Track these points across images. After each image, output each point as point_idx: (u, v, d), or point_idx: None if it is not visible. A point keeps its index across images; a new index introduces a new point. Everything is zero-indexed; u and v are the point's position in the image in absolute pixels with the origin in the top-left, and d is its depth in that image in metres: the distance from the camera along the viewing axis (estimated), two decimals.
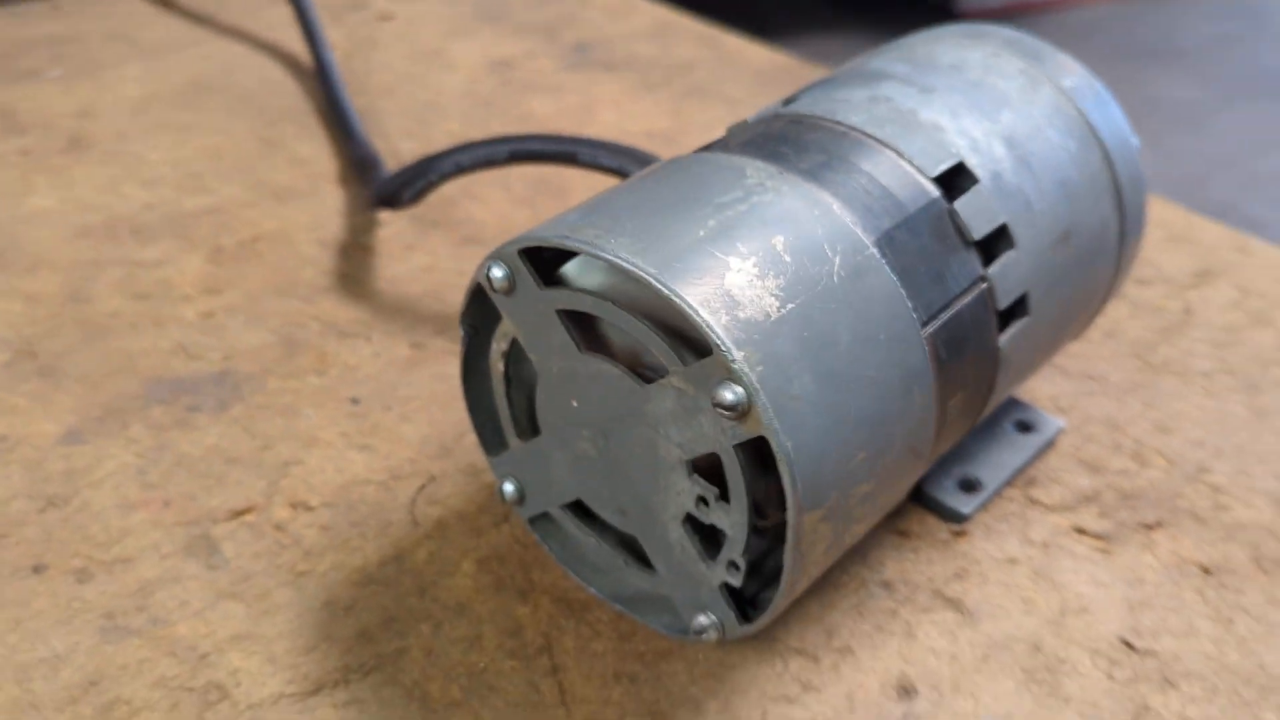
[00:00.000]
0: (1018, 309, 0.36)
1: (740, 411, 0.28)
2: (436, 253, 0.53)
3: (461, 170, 0.47)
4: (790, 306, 0.29)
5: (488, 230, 0.55)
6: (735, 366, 0.28)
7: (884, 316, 0.31)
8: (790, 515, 0.29)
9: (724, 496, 0.31)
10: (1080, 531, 0.42)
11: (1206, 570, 0.41)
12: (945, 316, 0.33)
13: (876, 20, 2.76)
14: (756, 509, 0.31)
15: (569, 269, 0.32)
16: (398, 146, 0.59)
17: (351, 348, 0.46)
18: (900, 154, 0.35)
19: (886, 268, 0.32)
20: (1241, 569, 0.41)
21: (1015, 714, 0.35)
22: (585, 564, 0.37)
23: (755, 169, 0.33)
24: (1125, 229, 0.40)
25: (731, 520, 0.31)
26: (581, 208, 0.33)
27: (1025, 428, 0.45)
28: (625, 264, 0.29)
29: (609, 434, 0.33)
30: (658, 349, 0.30)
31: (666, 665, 0.35)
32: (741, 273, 0.29)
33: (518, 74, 0.68)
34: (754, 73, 0.72)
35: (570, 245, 0.30)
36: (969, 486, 0.42)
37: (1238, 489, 0.45)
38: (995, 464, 0.43)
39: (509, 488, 0.37)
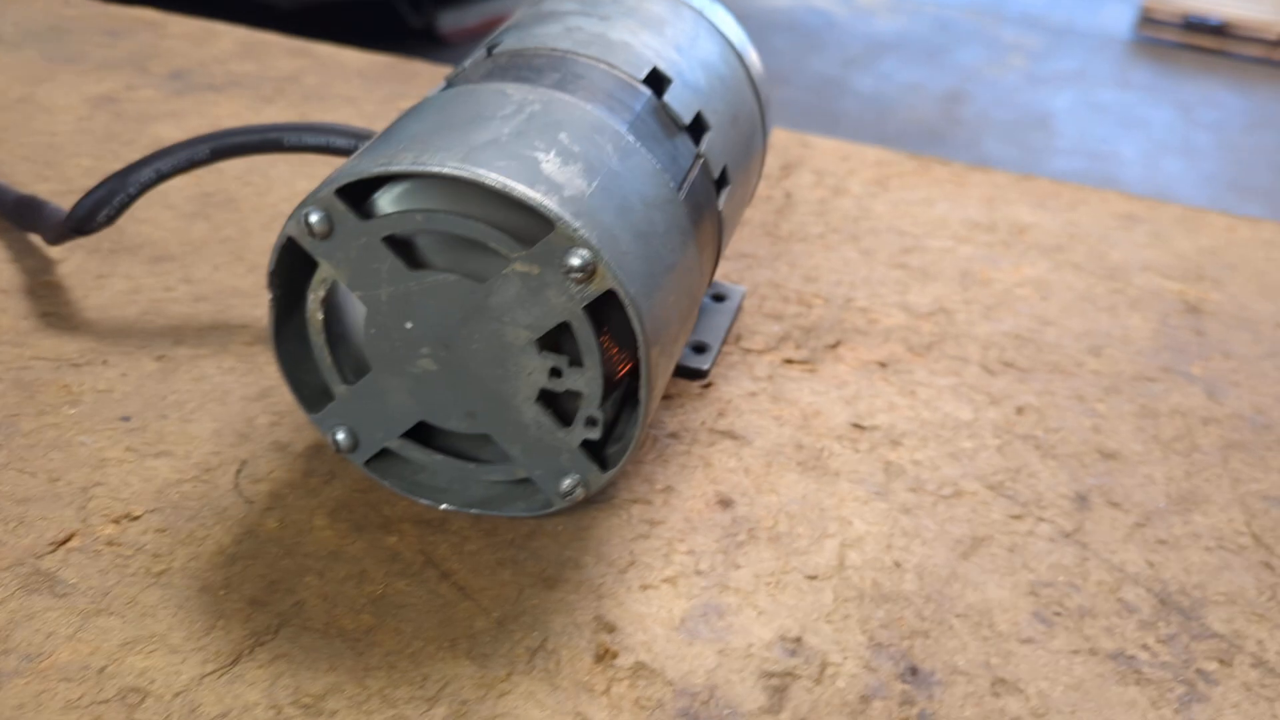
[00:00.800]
0: (723, 178, 0.44)
1: (589, 272, 0.33)
2: (133, 276, 0.51)
3: (163, 177, 0.47)
4: (595, 183, 0.35)
5: (172, 246, 0.54)
6: (580, 233, 0.33)
7: (654, 187, 0.38)
8: (641, 351, 0.35)
9: (575, 361, 0.36)
10: (789, 362, 0.52)
11: (883, 364, 0.52)
12: (687, 186, 0.40)
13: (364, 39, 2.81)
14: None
15: (383, 200, 0.36)
16: (37, 189, 0.56)
17: (94, 374, 0.45)
18: (612, 65, 0.41)
19: (643, 149, 0.38)
20: (903, 358, 0.53)
21: (806, 493, 0.43)
22: (431, 487, 0.40)
23: (513, 89, 0.38)
24: (764, 112, 0.50)
25: (587, 378, 0.36)
26: (378, 142, 0.36)
27: (720, 298, 0.54)
28: (458, 172, 0.33)
29: (450, 343, 0.36)
30: (497, 241, 0.34)
31: (535, 543, 0.39)
32: (550, 163, 0.35)
33: (127, 106, 0.66)
34: (358, 73, 0.75)
35: (397, 170, 0.33)
36: (700, 349, 0.50)
37: (877, 307, 0.57)
38: (712, 329, 0.52)
39: (341, 436, 0.39)
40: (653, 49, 0.43)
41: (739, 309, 0.54)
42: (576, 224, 0.33)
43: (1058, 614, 0.39)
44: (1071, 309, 0.60)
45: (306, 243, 0.36)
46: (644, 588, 0.38)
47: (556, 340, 0.36)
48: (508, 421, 0.38)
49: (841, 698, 0.35)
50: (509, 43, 0.43)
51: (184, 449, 0.42)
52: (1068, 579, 0.40)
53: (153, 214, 0.56)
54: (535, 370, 0.36)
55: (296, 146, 0.48)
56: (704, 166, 0.42)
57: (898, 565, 0.40)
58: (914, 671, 0.36)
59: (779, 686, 0.35)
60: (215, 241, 0.55)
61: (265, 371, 0.47)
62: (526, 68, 0.40)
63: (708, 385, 0.49)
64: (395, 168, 0.34)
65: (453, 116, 0.37)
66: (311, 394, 0.40)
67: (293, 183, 0.61)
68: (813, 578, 0.39)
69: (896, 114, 2.77)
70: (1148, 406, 0.51)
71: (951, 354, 0.54)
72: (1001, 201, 0.71)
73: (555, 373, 0.36)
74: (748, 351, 0.52)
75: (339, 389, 0.39)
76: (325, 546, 0.38)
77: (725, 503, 0.43)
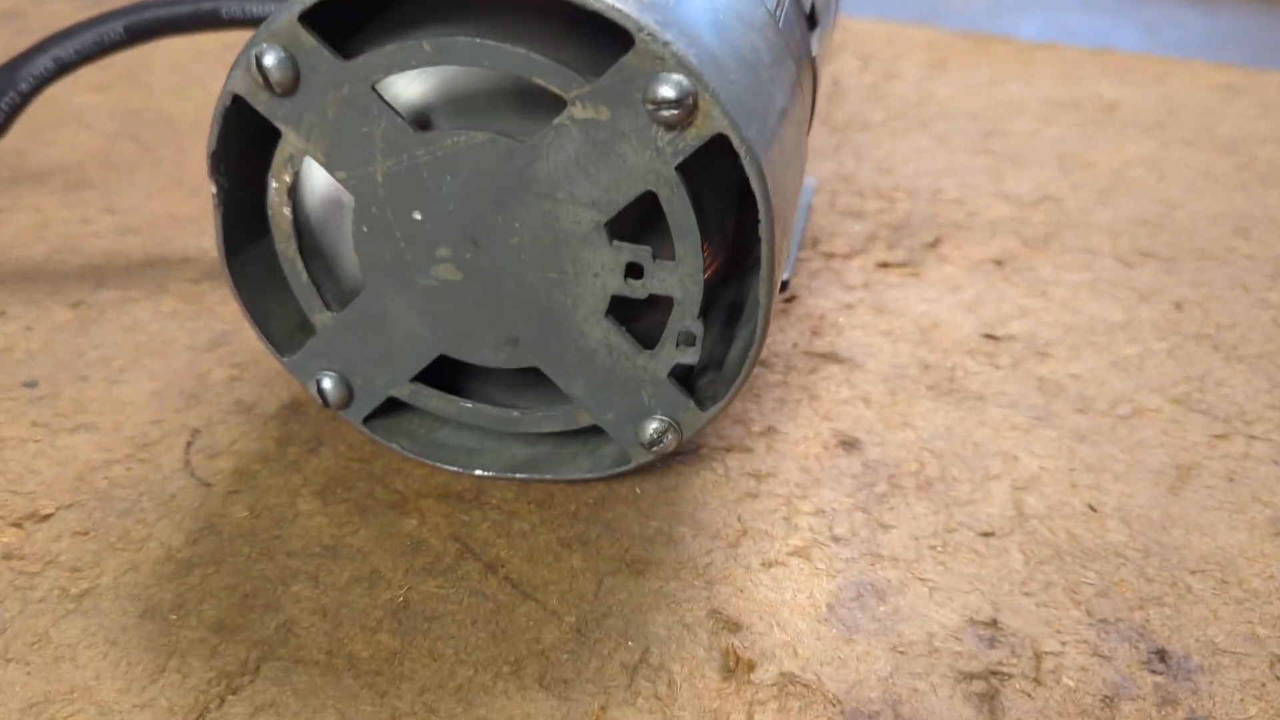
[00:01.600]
0: (813, 17, 0.33)
1: (687, 108, 0.22)
2: (41, 209, 0.40)
3: (65, 67, 0.35)
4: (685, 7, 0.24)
5: (91, 171, 0.42)
6: (674, 49, 0.22)
7: (748, 5, 0.27)
8: (765, 228, 0.24)
9: (662, 252, 0.25)
10: (884, 266, 0.41)
11: (998, 262, 0.42)
12: (783, 14, 0.29)
13: None
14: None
15: (369, 35, 0.24)
16: None
17: None
18: None
19: None
20: (1020, 253, 0.42)
21: (950, 425, 0.33)
22: (456, 447, 0.29)
23: None
24: None
25: (681, 274, 0.25)
26: None
27: None
28: None
29: (480, 237, 0.25)
30: (546, 74, 0.23)
31: (608, 513, 0.29)
32: None
33: (33, 22, 0.54)
34: None
35: None
36: None
37: (972, 198, 0.46)
38: None
39: (328, 384, 0.28)
40: None
41: (809, 206, 0.43)
42: (666, 36, 0.22)
43: None
44: (1198, 189, 0.49)
45: (261, 101, 0.24)
46: (767, 565, 0.27)
47: (633, 223, 0.25)
48: (565, 347, 0.27)
49: (1075, 702, 0.24)
50: None
51: (111, 419, 0.30)
52: None
53: (65, 135, 0.44)
54: (605, 269, 0.25)
55: (239, 19, 0.36)
56: None
57: (1093, 509, 0.30)
58: (1162, 655, 0.26)
59: (986, 693, 0.24)
60: (146, 164, 0.43)
61: (218, 313, 0.35)
62: None
63: (790, 299, 0.38)
64: None
65: None
66: (282, 330, 0.29)
67: None
68: (988, 535, 0.29)
69: None
70: None
71: (1075, 246, 0.43)
72: (1078, 78, 0.61)
73: (634, 270, 0.25)
74: (830, 256, 0.41)
75: (321, 318, 0.28)
76: (317, 540, 0.27)
77: (848, 444, 0.32)
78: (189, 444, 0.30)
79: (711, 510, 0.29)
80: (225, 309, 0.35)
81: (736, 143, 0.23)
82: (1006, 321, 0.38)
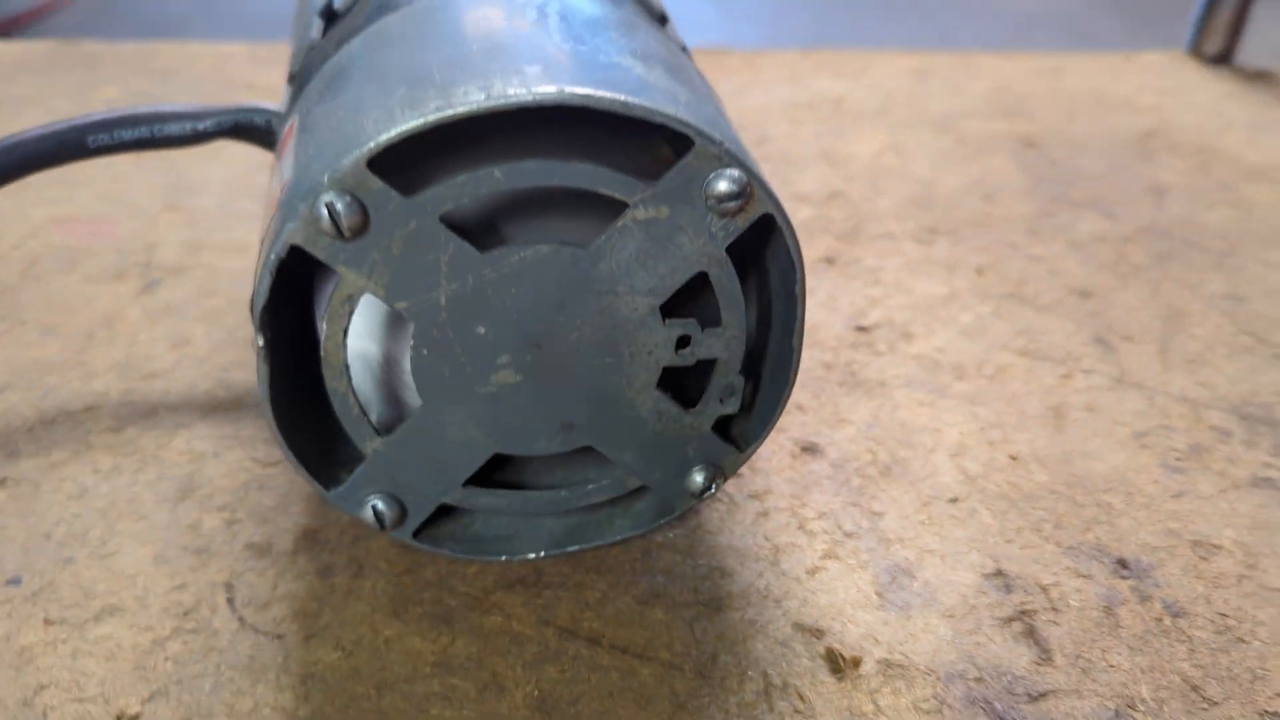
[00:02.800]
0: None
1: (746, 196, 0.25)
2: None
3: None
4: (685, 85, 0.27)
5: None
6: (726, 149, 0.25)
7: (700, 75, 0.30)
8: (800, 284, 0.27)
9: (709, 320, 0.28)
10: None
11: (829, 260, 0.48)
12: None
13: None
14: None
15: (428, 165, 0.25)
16: None
17: None
18: None
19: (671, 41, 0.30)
20: (842, 249, 0.49)
21: (875, 414, 0.38)
22: (498, 538, 0.31)
23: None
24: None
25: (727, 338, 0.28)
26: (361, 92, 0.25)
27: None
28: (563, 98, 0.23)
29: (541, 339, 0.27)
30: (611, 184, 0.25)
31: (659, 563, 0.31)
32: (639, 67, 0.26)
33: None
34: (20, 67, 0.58)
35: (462, 111, 0.23)
36: None
37: None
38: None
39: (383, 506, 0.28)
40: None
41: None
42: (717, 135, 0.25)
43: (1179, 459, 0.36)
44: (939, 166, 0.58)
45: (322, 247, 0.24)
46: (811, 572, 0.31)
47: (679, 300, 0.28)
48: (617, 422, 0.29)
49: (1089, 618, 0.30)
50: None
51: (131, 596, 0.28)
52: (1157, 422, 0.38)
53: None
54: (658, 346, 0.28)
55: (109, 146, 0.34)
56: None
57: (1014, 459, 0.36)
58: (1123, 563, 0.32)
59: (1026, 630, 0.30)
60: None
61: (165, 458, 0.33)
62: None
63: None
64: (460, 109, 0.23)
65: (448, 34, 0.26)
66: (323, 465, 0.28)
67: (25, 212, 0.45)
68: (955, 500, 0.34)
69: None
70: (1072, 240, 0.51)
71: (878, 233, 0.50)
72: (803, 79, 0.68)
73: (683, 342, 0.28)
74: None
75: (371, 445, 0.28)
76: (423, 660, 0.27)
77: (809, 449, 0.36)
78: (230, 600, 0.29)
79: (740, 537, 0.32)
80: (168, 452, 0.34)
81: (780, 221, 0.26)
82: (866, 312, 0.44)
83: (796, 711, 0.27)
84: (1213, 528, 0.33)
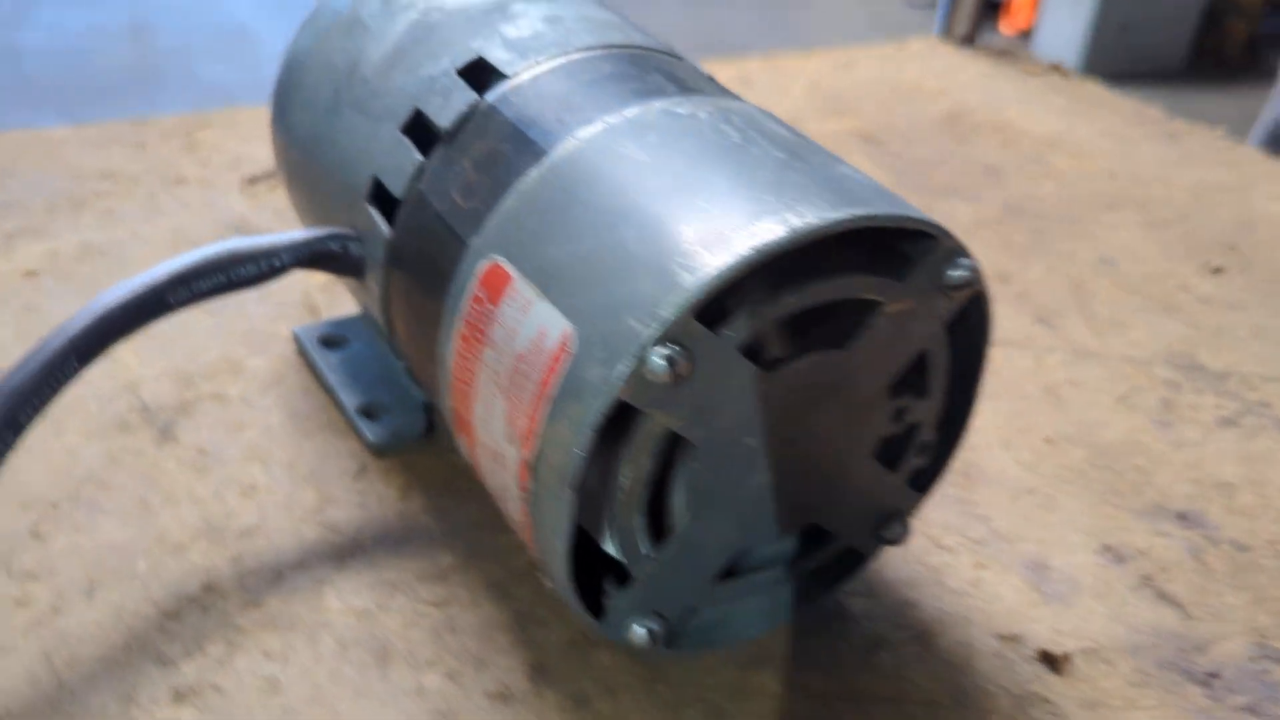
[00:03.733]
0: None
1: (973, 282, 0.28)
2: None
3: (21, 430, 0.27)
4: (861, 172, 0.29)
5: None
6: (956, 240, 0.27)
7: None
8: (987, 348, 0.31)
9: (919, 390, 0.30)
10: None
11: None
12: None
13: None
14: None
15: (727, 300, 0.26)
16: None
17: None
18: (650, 49, 0.33)
19: None
20: None
21: None
22: (716, 623, 0.32)
23: (687, 105, 0.29)
24: None
25: (930, 404, 0.31)
26: (658, 226, 0.25)
27: None
28: (858, 217, 0.25)
29: (794, 437, 0.28)
30: (869, 287, 0.27)
31: (855, 609, 0.34)
32: (851, 173, 0.28)
33: None
34: None
35: (773, 243, 0.24)
36: None
37: None
38: None
39: (652, 625, 0.29)
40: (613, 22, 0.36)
41: None
42: (952, 232, 0.27)
43: (1161, 415, 0.44)
44: (861, 164, 0.62)
45: (647, 398, 0.25)
46: (975, 585, 0.35)
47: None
48: (838, 495, 0.31)
49: (1189, 569, 0.36)
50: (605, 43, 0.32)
51: None
52: (1126, 385, 0.45)
53: None
54: (880, 420, 0.30)
55: (189, 299, 0.31)
56: None
57: (1050, 443, 0.42)
58: (1182, 516, 0.38)
59: (1156, 593, 0.35)
60: None
61: (331, 624, 0.31)
62: (665, 73, 0.31)
63: None
64: (767, 240, 0.24)
65: (684, 165, 0.27)
66: (597, 594, 0.28)
67: None
68: (1032, 491, 0.39)
69: (92, 62, 2.41)
70: (961, 226, 0.57)
71: None
72: None
73: (899, 413, 0.30)
74: None
75: (644, 568, 0.28)
76: None
77: None
78: None
79: (899, 568, 0.35)
80: (329, 615, 0.32)
81: (985, 295, 0.29)
82: None
83: (1053, 716, 0.30)
84: (1219, 469, 0.41)
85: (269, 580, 0.33)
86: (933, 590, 0.34)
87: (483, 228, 0.29)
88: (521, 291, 0.27)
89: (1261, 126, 1.21)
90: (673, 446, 0.27)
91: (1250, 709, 0.31)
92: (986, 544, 0.36)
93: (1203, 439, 0.42)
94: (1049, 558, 0.36)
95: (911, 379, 0.30)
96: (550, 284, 0.26)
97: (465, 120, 0.31)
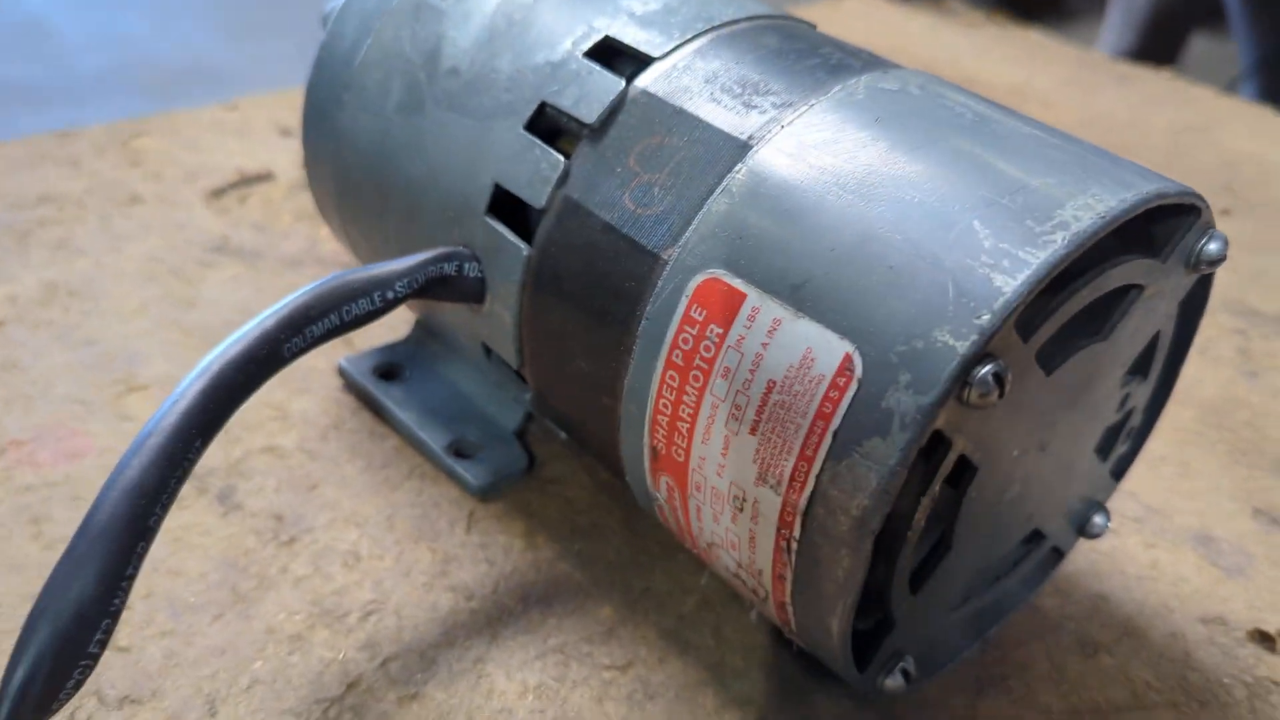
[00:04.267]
0: None
1: (1223, 253, 0.26)
2: None
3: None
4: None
5: None
6: (1210, 211, 0.25)
7: None
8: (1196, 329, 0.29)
9: (1141, 372, 0.28)
10: None
11: None
12: None
13: None
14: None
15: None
16: None
17: None
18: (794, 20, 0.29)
19: None
20: None
21: None
22: (946, 641, 0.29)
23: (893, 80, 0.26)
24: None
25: (1149, 385, 0.28)
26: (940, 221, 0.22)
27: None
28: (1152, 195, 0.22)
29: (1048, 441, 0.25)
30: (1131, 269, 0.24)
31: (1049, 607, 0.31)
32: (1088, 145, 0.25)
33: None
34: None
35: (1089, 232, 0.21)
36: None
37: None
38: None
39: (906, 668, 0.26)
40: None
41: None
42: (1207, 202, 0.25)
43: (1241, 367, 0.43)
44: None
45: (961, 422, 0.21)
46: (1153, 567, 0.33)
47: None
48: (1062, 493, 0.28)
49: None
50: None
51: None
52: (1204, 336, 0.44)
53: None
54: (1112, 407, 0.27)
55: (302, 348, 0.26)
56: None
57: None
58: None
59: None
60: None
61: (513, 711, 0.27)
62: (799, 48, 0.27)
63: None
64: (1084, 229, 0.21)
65: (938, 139, 0.24)
66: (860, 646, 0.25)
67: None
68: (1164, 458, 0.38)
69: None
70: None
71: None
72: None
73: (1124, 400, 0.28)
74: None
75: (904, 606, 0.25)
76: None
77: None
78: None
79: (1070, 557, 0.33)
80: (504, 699, 0.27)
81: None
82: None
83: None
84: None
85: (418, 665, 0.28)
86: (1118, 580, 0.32)
87: (683, 238, 0.24)
88: (765, 309, 0.23)
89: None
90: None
91: None
92: (1146, 521, 0.35)
93: (1277, 391, 0.42)
94: (1210, 529, 0.35)
95: (1137, 361, 0.28)
96: (807, 299, 0.22)
97: (613, 112, 0.27)
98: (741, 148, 0.25)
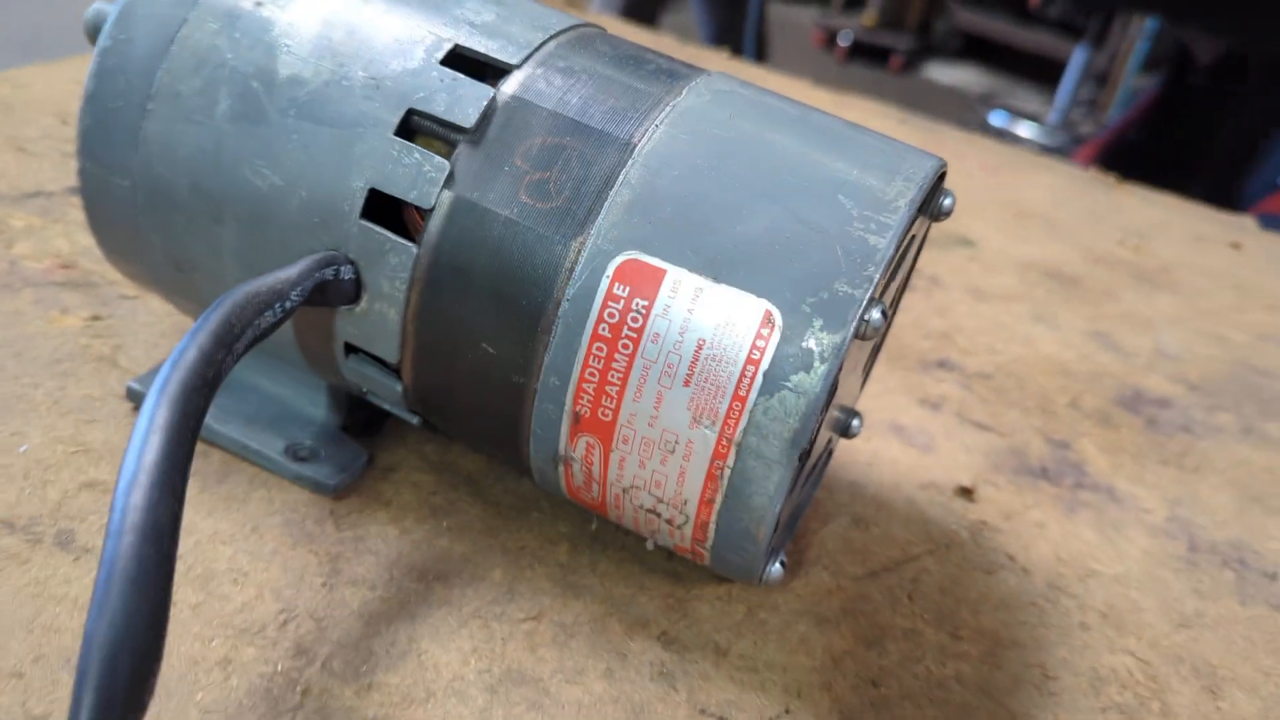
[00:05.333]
0: None
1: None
2: None
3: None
4: None
5: None
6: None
7: None
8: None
9: None
10: None
11: None
12: None
13: None
14: None
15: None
16: None
17: None
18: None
19: None
20: None
21: None
22: (780, 531, 0.35)
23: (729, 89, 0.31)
24: None
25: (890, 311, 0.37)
26: (817, 196, 0.28)
27: None
28: (941, 161, 0.30)
29: (859, 358, 0.33)
30: (918, 223, 0.32)
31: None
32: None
33: None
34: None
35: (927, 180, 0.29)
36: None
37: None
38: None
39: (782, 558, 0.32)
40: None
41: None
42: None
43: None
44: None
45: (848, 355, 0.28)
46: (871, 460, 0.42)
47: None
48: (843, 403, 0.36)
49: (990, 393, 0.47)
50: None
51: None
52: None
53: None
54: (883, 330, 0.36)
55: (234, 362, 0.26)
56: None
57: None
58: (942, 364, 0.50)
59: (975, 421, 0.46)
60: None
61: None
62: (634, 54, 0.32)
63: None
64: (922, 180, 0.29)
65: (782, 131, 0.30)
66: None
67: None
68: None
69: None
70: None
71: None
72: None
73: (890, 325, 0.36)
74: None
75: (783, 510, 0.31)
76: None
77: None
78: None
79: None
80: None
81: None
82: None
83: (997, 532, 0.39)
84: (947, 324, 0.53)
85: (358, 658, 0.29)
86: (858, 470, 0.41)
87: (592, 227, 0.28)
88: (686, 281, 0.27)
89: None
90: None
91: (1076, 486, 0.43)
92: None
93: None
94: (898, 419, 0.45)
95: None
96: (723, 269, 0.27)
97: (486, 116, 0.29)
98: (625, 145, 0.29)
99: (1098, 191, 0.75)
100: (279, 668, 0.28)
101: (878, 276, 0.27)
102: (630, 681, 0.30)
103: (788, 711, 0.30)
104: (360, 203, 0.29)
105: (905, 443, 0.43)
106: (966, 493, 0.41)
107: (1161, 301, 0.61)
